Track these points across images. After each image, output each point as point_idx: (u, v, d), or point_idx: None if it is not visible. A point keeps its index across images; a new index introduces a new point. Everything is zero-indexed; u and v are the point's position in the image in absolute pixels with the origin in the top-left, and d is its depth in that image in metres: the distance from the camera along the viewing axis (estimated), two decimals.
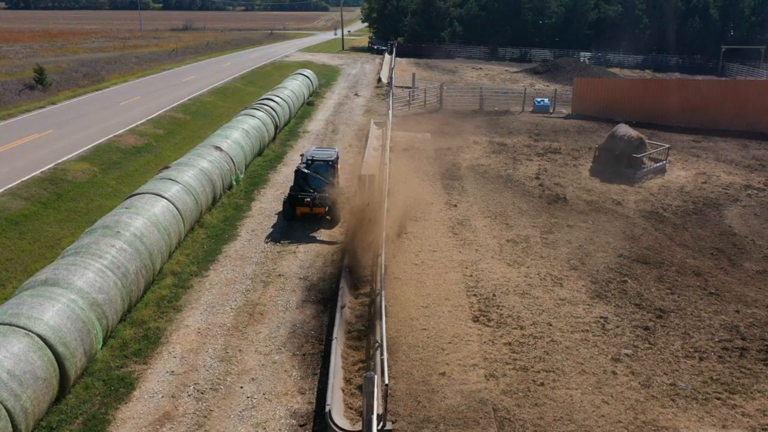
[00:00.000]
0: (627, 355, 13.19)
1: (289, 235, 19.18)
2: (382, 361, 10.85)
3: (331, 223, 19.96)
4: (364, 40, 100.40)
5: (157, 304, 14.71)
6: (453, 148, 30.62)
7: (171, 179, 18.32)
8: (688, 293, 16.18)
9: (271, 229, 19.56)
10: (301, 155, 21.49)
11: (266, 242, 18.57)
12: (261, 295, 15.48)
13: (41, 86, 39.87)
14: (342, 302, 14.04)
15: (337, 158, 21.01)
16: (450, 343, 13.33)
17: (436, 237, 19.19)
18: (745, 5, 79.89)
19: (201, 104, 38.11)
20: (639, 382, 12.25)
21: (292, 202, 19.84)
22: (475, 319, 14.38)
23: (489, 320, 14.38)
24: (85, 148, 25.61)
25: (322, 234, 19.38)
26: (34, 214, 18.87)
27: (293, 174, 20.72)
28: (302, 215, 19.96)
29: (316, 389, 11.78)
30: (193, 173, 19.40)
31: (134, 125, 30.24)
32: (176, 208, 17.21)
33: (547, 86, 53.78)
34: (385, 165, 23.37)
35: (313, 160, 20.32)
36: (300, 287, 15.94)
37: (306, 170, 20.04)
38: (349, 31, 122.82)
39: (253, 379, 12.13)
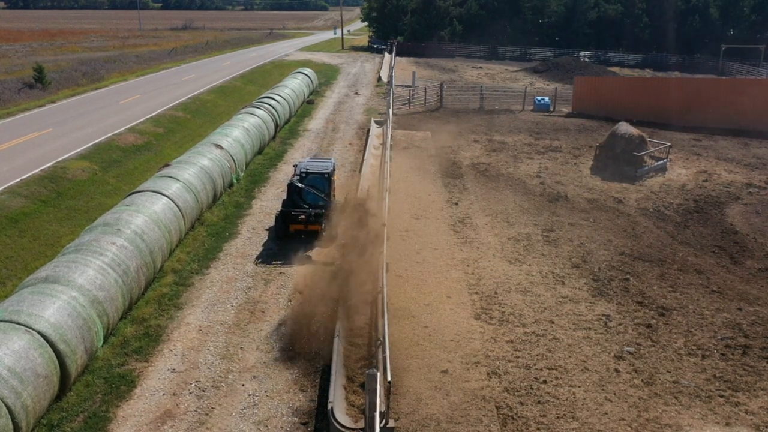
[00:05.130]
0: (629, 352, 13.15)
1: (281, 254, 17.59)
2: (384, 358, 10.80)
3: (328, 241, 17.92)
4: (363, 40, 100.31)
5: (158, 302, 14.66)
6: (453, 147, 30.58)
7: (171, 177, 18.26)
8: (690, 291, 16.14)
9: (262, 248, 17.98)
10: (294, 166, 19.70)
11: (257, 263, 16.94)
12: (262, 292, 15.43)
13: (41, 85, 39.79)
14: (344, 302, 13.97)
15: (334, 169, 19.29)
16: (452, 340, 13.29)
17: (437, 235, 19.14)
18: (745, 4, 79.82)
19: (201, 103, 38.04)
20: (642, 380, 12.22)
21: (284, 218, 17.99)
22: (477, 317, 14.34)
23: (491, 318, 14.34)
24: (85, 146, 25.55)
25: (318, 253, 17.64)
26: (34, 212, 18.82)
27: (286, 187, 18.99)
28: (296, 233, 18.10)
29: (318, 387, 11.74)
30: (194, 171, 19.34)
31: (134, 124, 30.18)
32: (177, 206, 17.15)
33: (547, 85, 53.74)
34: (386, 163, 23.33)
35: (307, 173, 18.51)
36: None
37: (300, 184, 18.25)
38: (348, 31, 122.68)
39: (254, 376, 12.08)
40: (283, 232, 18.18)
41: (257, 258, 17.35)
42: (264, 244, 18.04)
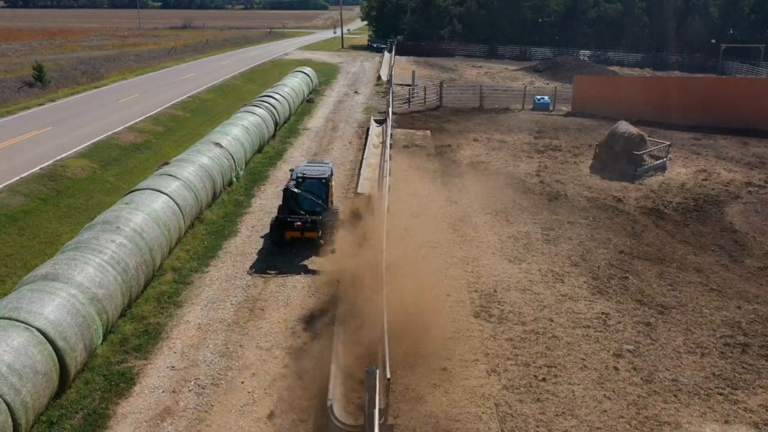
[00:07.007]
0: (629, 350, 13.16)
1: (275, 263, 17.11)
2: (383, 356, 10.81)
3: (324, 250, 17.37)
4: (363, 39, 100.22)
5: (157, 300, 14.66)
6: (453, 146, 30.57)
7: (171, 175, 18.26)
8: (689, 289, 16.16)
9: (257, 256, 17.46)
10: (291, 170, 19.04)
11: (250, 273, 16.38)
12: (261, 290, 15.44)
13: (40, 84, 39.76)
14: (342, 299, 13.98)
15: (331, 174, 18.68)
16: (451, 338, 13.30)
17: (436, 233, 19.12)
18: (745, 4, 79.81)
19: (200, 102, 38.03)
20: (641, 378, 12.23)
21: (280, 224, 17.38)
22: (477, 315, 14.35)
23: (490, 316, 14.35)
24: (85, 145, 25.54)
25: (314, 262, 17.15)
26: (33, 211, 18.82)
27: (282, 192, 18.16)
28: (292, 240, 17.56)
29: (317, 384, 11.74)
30: (193, 169, 19.33)
31: (133, 122, 30.16)
32: (176, 204, 17.15)
33: (547, 84, 53.72)
34: (385, 162, 23.32)
35: (304, 178, 17.84)
36: (300, 282, 15.89)
37: (296, 189, 17.62)
38: (348, 30, 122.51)
39: (254, 374, 12.09)
40: (279, 239, 17.60)
41: (251, 267, 16.77)
42: (260, 252, 17.87)
